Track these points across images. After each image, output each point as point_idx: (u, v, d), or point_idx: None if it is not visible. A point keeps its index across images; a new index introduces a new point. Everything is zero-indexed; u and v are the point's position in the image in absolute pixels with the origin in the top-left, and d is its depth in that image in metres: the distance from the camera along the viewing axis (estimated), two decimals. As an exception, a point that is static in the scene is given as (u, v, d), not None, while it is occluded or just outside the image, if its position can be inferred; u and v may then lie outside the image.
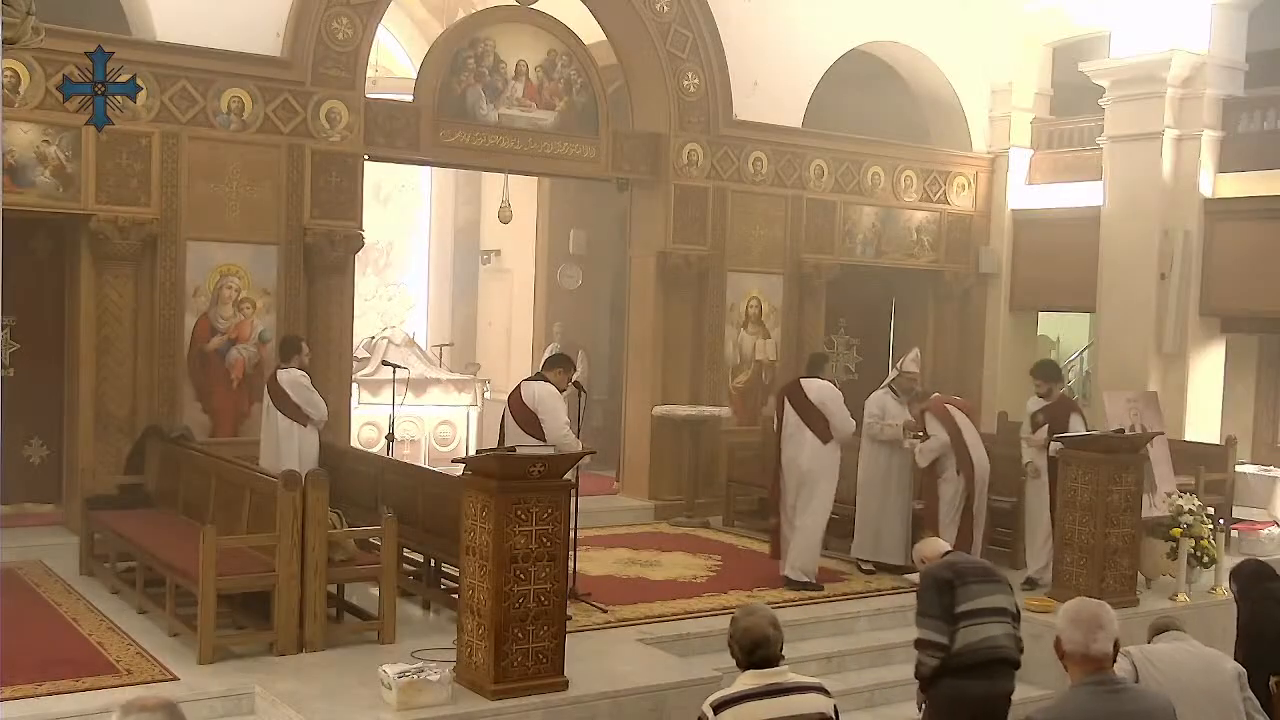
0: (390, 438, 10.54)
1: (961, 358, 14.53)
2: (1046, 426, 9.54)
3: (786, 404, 9.42)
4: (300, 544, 7.05)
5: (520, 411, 8.22)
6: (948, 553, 6.09)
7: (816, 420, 9.24)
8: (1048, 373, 9.96)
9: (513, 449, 7.22)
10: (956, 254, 14.45)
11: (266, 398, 9.44)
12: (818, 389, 9.37)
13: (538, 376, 8.51)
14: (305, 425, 9.28)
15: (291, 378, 9.29)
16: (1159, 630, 5.53)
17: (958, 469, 9.49)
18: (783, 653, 4.37)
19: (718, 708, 4.19)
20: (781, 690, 4.25)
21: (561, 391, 8.34)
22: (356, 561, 7.63)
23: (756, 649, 4.28)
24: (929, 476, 9.64)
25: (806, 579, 9.20)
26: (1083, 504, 8.97)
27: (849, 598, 9.06)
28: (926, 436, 9.62)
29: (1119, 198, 13.21)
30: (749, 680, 4.27)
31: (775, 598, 8.80)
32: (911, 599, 9.03)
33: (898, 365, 10.19)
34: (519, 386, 8.45)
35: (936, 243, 14.31)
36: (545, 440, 7.88)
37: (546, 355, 10.58)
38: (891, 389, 10.06)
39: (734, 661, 4.39)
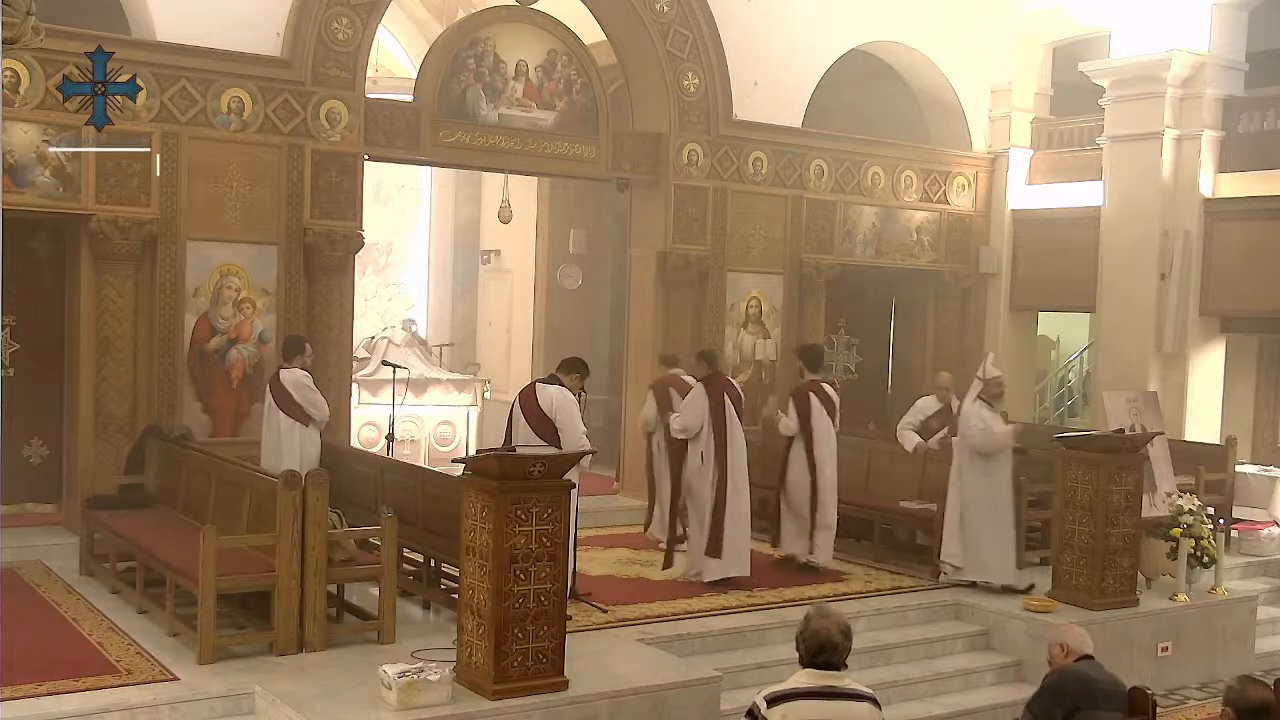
0: (390, 438, 10.54)
1: (961, 358, 14.51)
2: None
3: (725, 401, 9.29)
4: (300, 544, 7.05)
5: (535, 415, 8.09)
6: (1086, 656, 5.71)
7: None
8: (806, 357, 9.98)
9: (513, 449, 7.21)
10: (956, 254, 14.46)
11: (268, 397, 9.44)
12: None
13: (551, 378, 8.37)
14: (307, 425, 9.30)
15: (294, 378, 9.31)
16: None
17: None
18: (847, 662, 4.39)
19: (771, 701, 4.23)
20: (836, 694, 4.29)
21: (574, 395, 8.23)
22: (356, 561, 7.63)
23: (822, 651, 4.32)
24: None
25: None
26: (1083, 504, 8.99)
27: (849, 597, 9.05)
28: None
29: (1119, 198, 13.22)
30: (804, 678, 4.30)
31: (773, 597, 8.85)
32: (911, 600, 9.13)
33: (979, 374, 9.45)
34: (532, 387, 8.33)
35: (936, 243, 14.32)
36: (560, 447, 7.75)
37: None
38: (982, 399, 9.32)
39: (796, 657, 4.42)
